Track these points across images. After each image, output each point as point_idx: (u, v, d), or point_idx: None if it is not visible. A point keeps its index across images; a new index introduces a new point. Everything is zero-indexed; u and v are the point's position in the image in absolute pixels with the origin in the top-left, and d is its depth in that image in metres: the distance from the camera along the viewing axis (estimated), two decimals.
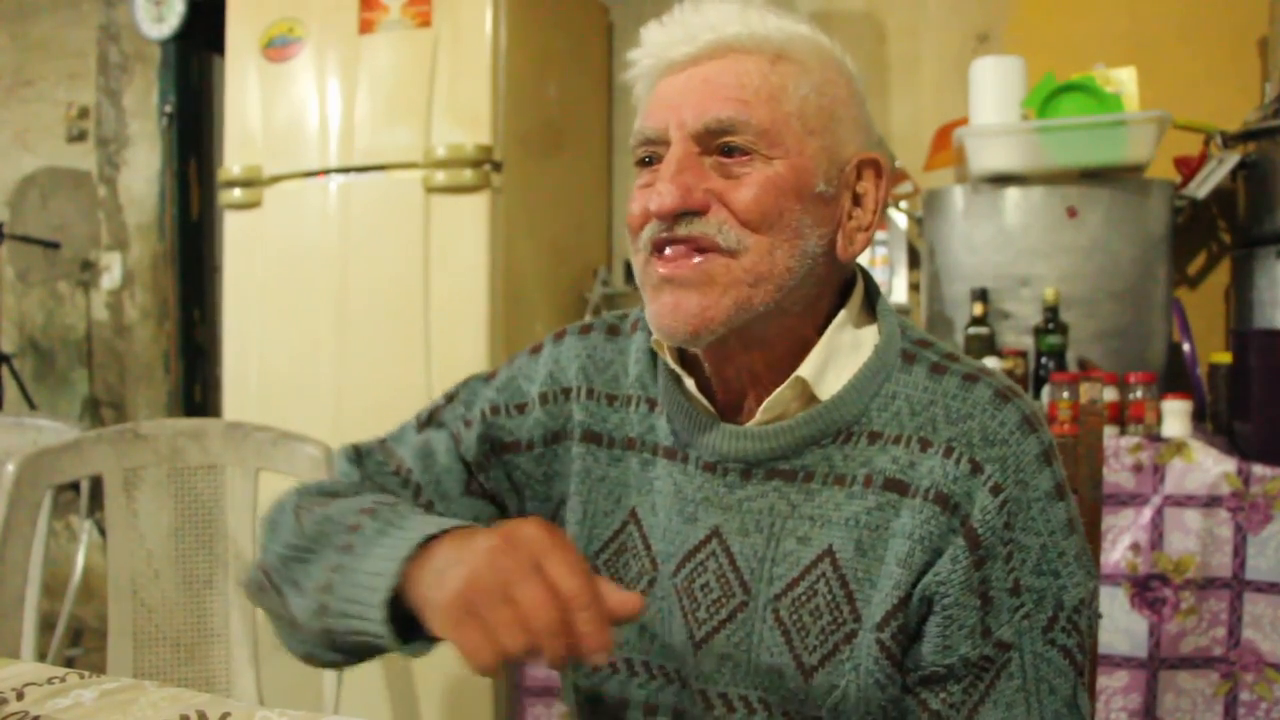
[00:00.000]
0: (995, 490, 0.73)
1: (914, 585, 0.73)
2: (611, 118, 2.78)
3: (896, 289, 2.55)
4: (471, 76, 2.23)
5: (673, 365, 0.82)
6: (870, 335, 0.81)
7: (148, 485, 1.45)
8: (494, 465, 0.89)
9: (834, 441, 0.78)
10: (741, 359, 0.80)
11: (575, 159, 2.60)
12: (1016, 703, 0.73)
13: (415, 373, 2.23)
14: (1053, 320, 2.00)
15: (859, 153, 0.78)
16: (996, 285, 2.10)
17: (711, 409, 0.82)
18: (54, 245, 3.47)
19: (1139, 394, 1.85)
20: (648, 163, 0.78)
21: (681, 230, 0.74)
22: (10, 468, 1.35)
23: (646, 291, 0.78)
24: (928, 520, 0.73)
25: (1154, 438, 1.79)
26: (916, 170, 2.44)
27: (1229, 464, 1.73)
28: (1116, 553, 1.76)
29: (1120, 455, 1.78)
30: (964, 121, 2.23)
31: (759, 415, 0.79)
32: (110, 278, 3.49)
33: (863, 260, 0.88)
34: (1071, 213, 2.04)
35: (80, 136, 3.52)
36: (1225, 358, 1.99)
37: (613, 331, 0.91)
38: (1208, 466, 1.74)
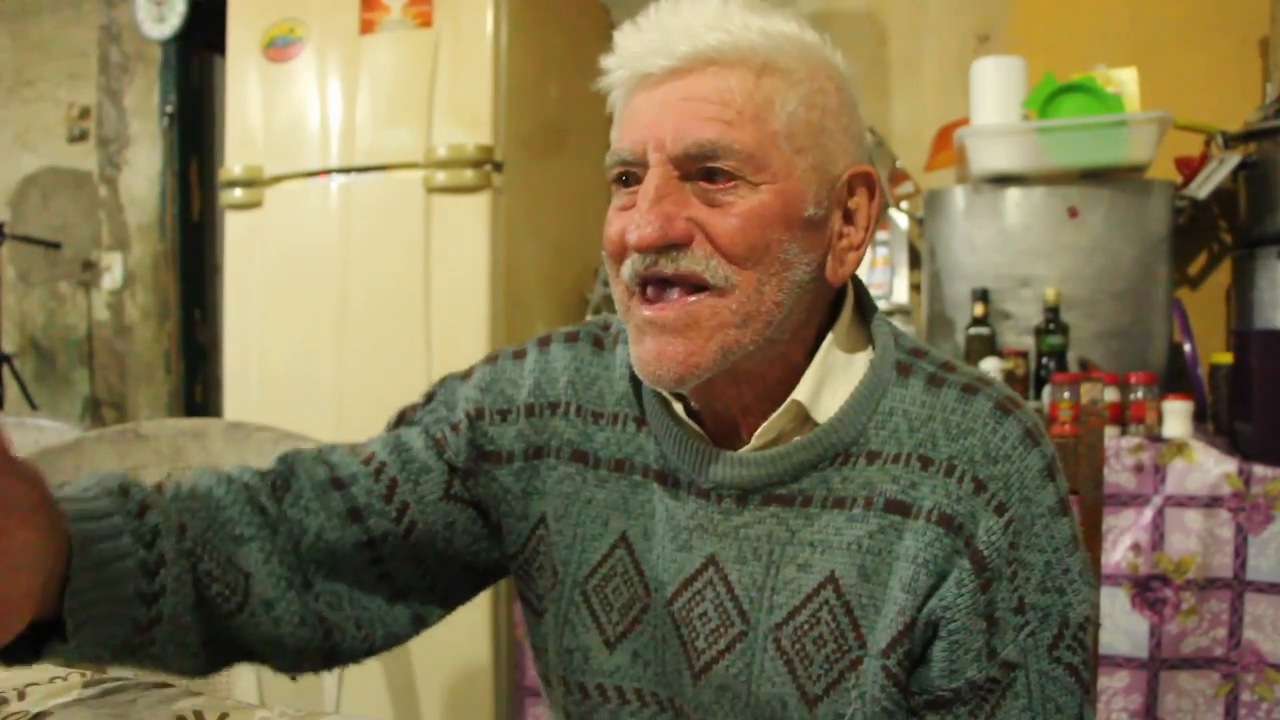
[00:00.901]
0: (1000, 509, 0.71)
1: (919, 610, 0.71)
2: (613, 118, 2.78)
3: (897, 289, 2.55)
4: (472, 76, 2.23)
5: (659, 388, 0.79)
6: (863, 349, 0.79)
7: None
8: (480, 473, 0.85)
9: (831, 464, 0.75)
10: (730, 394, 0.77)
11: (576, 159, 2.60)
12: None
13: (416, 373, 2.23)
14: (1053, 321, 1.99)
15: (850, 166, 0.75)
16: (997, 285, 2.10)
17: (702, 433, 0.79)
18: (55, 245, 3.48)
19: (1140, 394, 1.85)
20: (625, 181, 0.74)
21: (667, 268, 0.71)
22: None
23: (630, 330, 0.75)
24: (932, 543, 0.71)
25: (1155, 438, 1.79)
26: (917, 171, 2.44)
27: (1230, 464, 1.73)
28: (1117, 553, 1.76)
29: (1121, 456, 1.78)
30: (965, 122, 2.23)
31: (754, 441, 0.76)
32: (111, 278, 3.49)
33: (863, 261, 0.86)
34: (1072, 213, 2.04)
35: (81, 136, 3.52)
36: (1226, 358, 1.99)
37: (597, 344, 0.87)
38: (1209, 467, 1.74)
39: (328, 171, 2.35)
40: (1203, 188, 2.07)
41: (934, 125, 2.43)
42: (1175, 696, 1.74)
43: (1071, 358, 2.02)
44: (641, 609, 0.80)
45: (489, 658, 2.18)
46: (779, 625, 0.75)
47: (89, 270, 3.52)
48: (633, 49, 0.74)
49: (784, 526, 0.76)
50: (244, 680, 1.44)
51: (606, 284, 2.69)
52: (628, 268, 0.73)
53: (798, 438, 0.76)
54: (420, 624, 0.87)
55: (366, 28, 2.32)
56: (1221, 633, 1.73)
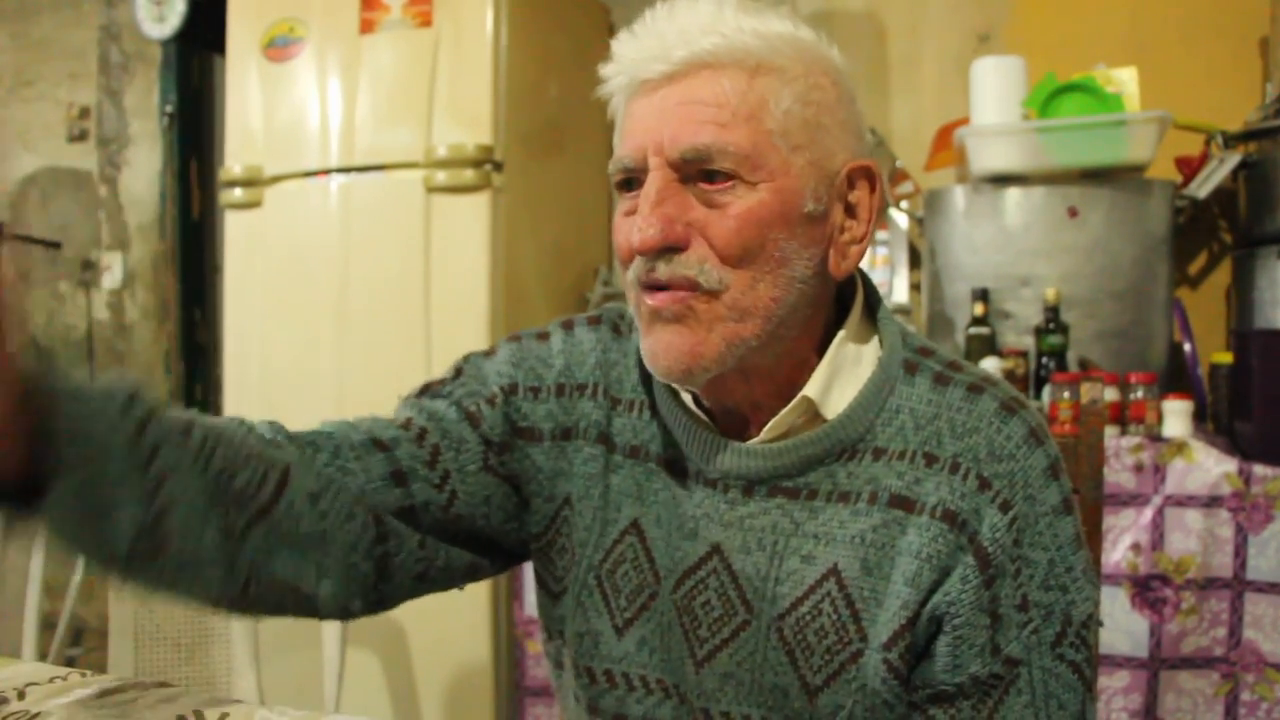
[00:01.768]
0: (1004, 507, 0.72)
1: (922, 605, 0.72)
2: (612, 120, 2.78)
3: (897, 289, 2.55)
4: (472, 76, 2.23)
5: (669, 382, 0.79)
6: (872, 347, 0.80)
7: None
8: (515, 448, 0.84)
9: (838, 459, 0.76)
10: (741, 390, 0.78)
11: (576, 159, 2.60)
12: (1026, 718, 0.72)
13: (416, 373, 2.22)
14: (1054, 320, 2.00)
15: (849, 160, 0.75)
16: (997, 285, 2.10)
17: (711, 424, 0.80)
18: (55, 245, 3.48)
19: (1140, 394, 1.85)
20: (628, 186, 0.76)
21: (663, 272, 0.72)
22: None
23: (640, 323, 0.77)
24: (935, 538, 0.72)
25: (1155, 438, 1.79)
26: (917, 170, 2.45)
27: (1230, 464, 1.73)
28: (1117, 553, 1.76)
29: (1121, 455, 1.78)
30: (965, 121, 2.23)
31: (764, 434, 0.77)
32: (111, 277, 3.49)
33: (864, 260, 0.87)
34: (1072, 213, 2.04)
35: (81, 136, 3.52)
36: (1226, 358, 1.99)
37: (616, 330, 0.88)
38: (1208, 467, 1.74)
39: (328, 171, 2.35)
40: (1203, 187, 2.07)
41: (934, 125, 2.43)
42: (1175, 696, 1.74)
43: (1071, 357, 2.02)
44: (650, 596, 0.81)
45: (489, 658, 2.18)
46: (781, 616, 0.76)
47: (89, 270, 3.52)
48: (630, 56, 0.74)
49: (789, 518, 0.77)
50: (244, 680, 1.44)
51: (606, 284, 2.70)
52: (632, 271, 0.74)
53: (806, 433, 0.77)
54: (473, 575, 0.87)
55: (366, 27, 2.32)
56: (1221, 632, 1.73)
